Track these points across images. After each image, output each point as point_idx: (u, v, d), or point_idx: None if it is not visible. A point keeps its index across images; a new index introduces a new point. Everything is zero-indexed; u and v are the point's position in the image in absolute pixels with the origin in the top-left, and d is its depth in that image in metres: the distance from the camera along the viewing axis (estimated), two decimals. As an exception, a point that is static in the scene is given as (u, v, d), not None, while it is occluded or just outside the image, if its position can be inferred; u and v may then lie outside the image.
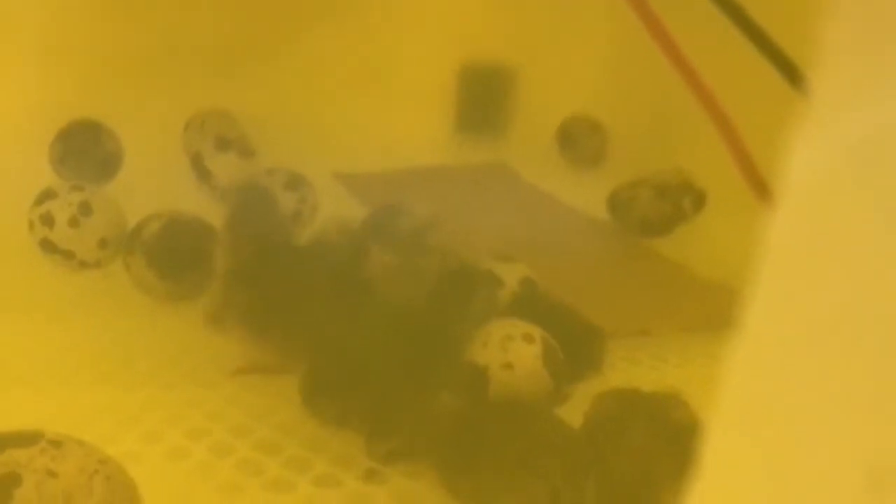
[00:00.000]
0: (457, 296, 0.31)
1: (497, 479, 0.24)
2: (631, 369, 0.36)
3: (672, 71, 0.34)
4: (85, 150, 0.46)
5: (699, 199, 0.49)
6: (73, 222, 0.36)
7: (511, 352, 0.29)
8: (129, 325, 0.34)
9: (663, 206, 0.49)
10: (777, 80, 0.31)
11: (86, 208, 0.36)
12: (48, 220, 0.36)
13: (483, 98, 0.65)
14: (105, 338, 0.33)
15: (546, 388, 0.29)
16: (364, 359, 0.28)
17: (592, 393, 0.28)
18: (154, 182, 0.46)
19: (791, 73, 0.31)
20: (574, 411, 0.27)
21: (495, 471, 0.24)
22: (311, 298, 0.30)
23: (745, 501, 0.11)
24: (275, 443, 0.27)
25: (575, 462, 0.24)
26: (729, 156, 0.36)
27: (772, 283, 0.09)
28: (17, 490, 0.19)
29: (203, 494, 0.25)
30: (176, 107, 0.49)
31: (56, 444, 0.20)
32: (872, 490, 0.09)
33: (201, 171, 0.47)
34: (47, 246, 0.36)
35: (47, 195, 0.36)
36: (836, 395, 0.09)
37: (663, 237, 0.49)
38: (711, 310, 0.41)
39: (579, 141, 0.61)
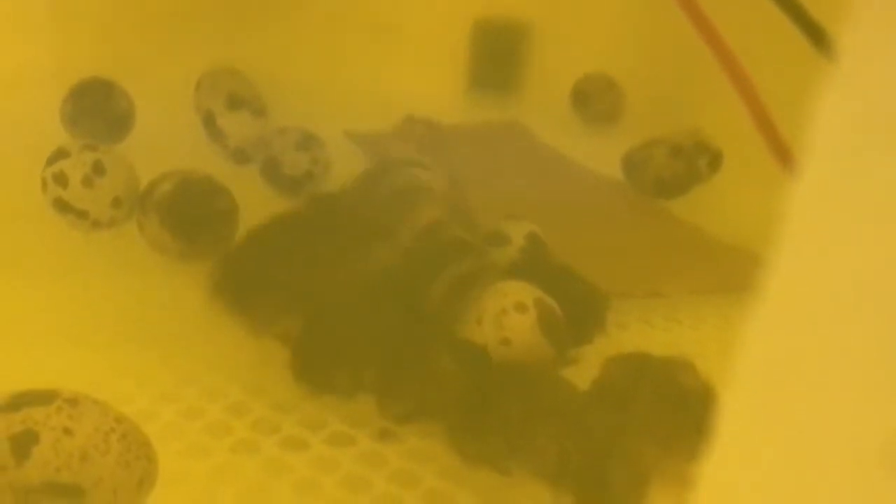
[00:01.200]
0: (444, 259, 0.31)
1: (506, 442, 0.24)
2: (644, 331, 0.36)
3: (690, 29, 0.34)
4: (97, 108, 0.46)
5: (715, 160, 0.49)
6: (87, 182, 0.36)
7: (506, 327, 0.28)
8: (144, 284, 0.34)
9: (678, 166, 0.49)
10: (800, 39, 0.31)
11: (99, 168, 0.36)
12: (61, 180, 0.36)
13: (497, 55, 0.64)
14: (120, 297, 0.33)
15: (546, 355, 0.28)
16: (357, 324, 0.27)
17: (603, 355, 0.28)
18: (166, 141, 0.46)
19: (815, 34, 0.31)
20: (585, 374, 0.27)
21: (504, 433, 0.25)
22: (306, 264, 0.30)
23: (759, 468, 0.10)
24: (290, 403, 0.28)
25: (583, 425, 0.24)
26: (748, 117, 0.35)
27: (794, 250, 0.09)
28: (35, 447, 0.20)
29: (217, 453, 0.25)
30: (187, 65, 0.49)
31: (72, 402, 0.21)
32: (887, 463, 0.09)
33: (213, 130, 0.47)
34: (60, 206, 0.36)
35: (60, 154, 0.36)
36: (855, 365, 0.09)
37: (678, 198, 0.49)
38: (725, 272, 0.41)
39: (594, 100, 0.61)
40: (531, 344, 0.28)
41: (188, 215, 0.35)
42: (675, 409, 0.25)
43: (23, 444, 0.20)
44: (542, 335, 0.28)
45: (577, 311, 0.31)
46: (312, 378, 0.28)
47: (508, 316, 0.28)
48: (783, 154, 0.36)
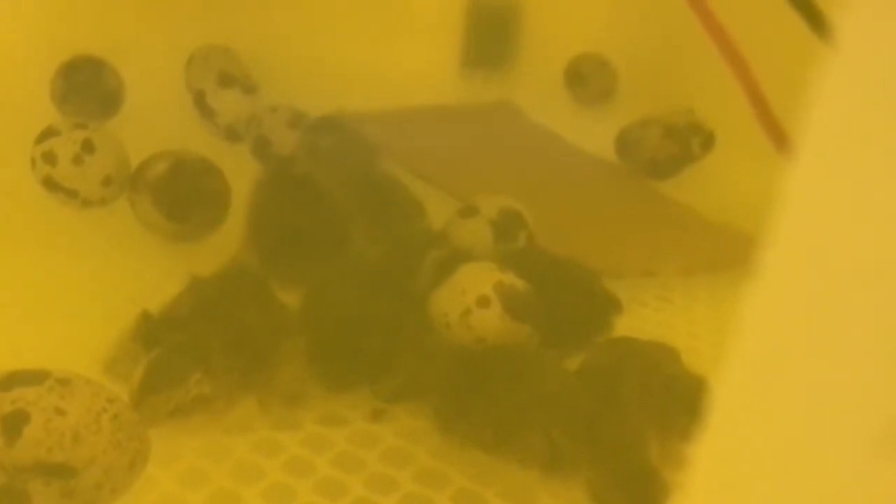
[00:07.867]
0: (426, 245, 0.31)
1: (494, 432, 0.24)
2: (636, 310, 0.36)
3: (685, 8, 0.34)
4: (87, 86, 0.46)
5: (708, 141, 0.49)
6: (77, 160, 0.35)
7: (475, 327, 0.27)
8: (136, 263, 0.34)
9: (671, 146, 0.48)
10: (798, 22, 0.31)
11: (89, 146, 0.36)
12: (50, 158, 0.35)
13: (490, 34, 0.63)
14: (112, 277, 0.33)
15: (524, 335, 0.28)
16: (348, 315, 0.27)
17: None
18: (156, 119, 0.46)
19: (814, 18, 0.30)
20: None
21: (491, 422, 0.24)
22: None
23: (753, 449, 0.11)
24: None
25: (571, 411, 0.24)
26: (744, 98, 0.35)
27: (790, 231, 0.09)
28: (26, 427, 0.20)
29: (210, 434, 0.25)
30: (178, 43, 0.48)
31: (64, 382, 0.21)
32: (881, 445, 0.09)
33: (204, 108, 0.47)
34: (50, 184, 0.36)
35: (49, 133, 0.36)
36: (851, 348, 0.09)
37: (671, 179, 0.49)
38: (717, 252, 0.41)
39: (588, 79, 0.60)
40: (505, 333, 0.28)
41: (181, 196, 0.34)
42: (659, 396, 0.25)
43: (14, 424, 0.20)
44: (513, 320, 0.28)
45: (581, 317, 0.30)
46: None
47: (473, 315, 0.28)
48: (778, 135, 0.36)
